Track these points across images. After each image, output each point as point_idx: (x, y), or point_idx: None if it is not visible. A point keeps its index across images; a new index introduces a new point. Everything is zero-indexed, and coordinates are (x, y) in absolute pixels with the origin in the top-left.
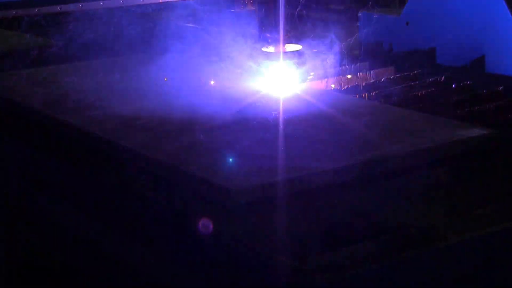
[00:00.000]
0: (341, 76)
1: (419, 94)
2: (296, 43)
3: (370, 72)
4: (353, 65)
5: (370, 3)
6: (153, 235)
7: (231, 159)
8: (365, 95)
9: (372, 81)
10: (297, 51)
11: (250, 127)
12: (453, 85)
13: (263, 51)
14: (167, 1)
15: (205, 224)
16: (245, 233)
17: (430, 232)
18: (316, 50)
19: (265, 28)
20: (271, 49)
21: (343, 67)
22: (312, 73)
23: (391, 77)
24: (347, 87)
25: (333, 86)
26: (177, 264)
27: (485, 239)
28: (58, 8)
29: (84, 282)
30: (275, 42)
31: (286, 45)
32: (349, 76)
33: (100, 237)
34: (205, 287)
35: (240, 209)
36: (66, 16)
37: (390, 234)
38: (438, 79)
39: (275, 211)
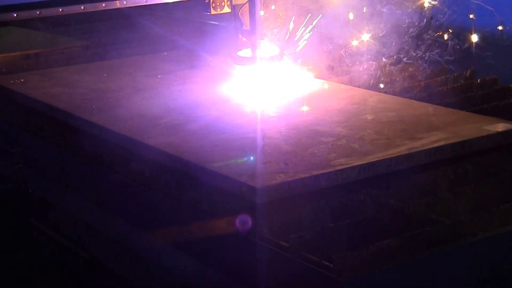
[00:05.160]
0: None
1: (445, 89)
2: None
3: None
4: None
5: None
6: (178, 232)
7: (256, 157)
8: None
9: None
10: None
11: (274, 124)
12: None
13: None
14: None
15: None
16: (271, 231)
17: (457, 228)
18: None
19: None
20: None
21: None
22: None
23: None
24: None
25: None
26: (203, 260)
27: None
28: (81, 7)
29: (109, 279)
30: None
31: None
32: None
33: (126, 235)
34: (232, 283)
35: (265, 206)
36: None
37: (417, 230)
38: (464, 73)
39: (300, 208)
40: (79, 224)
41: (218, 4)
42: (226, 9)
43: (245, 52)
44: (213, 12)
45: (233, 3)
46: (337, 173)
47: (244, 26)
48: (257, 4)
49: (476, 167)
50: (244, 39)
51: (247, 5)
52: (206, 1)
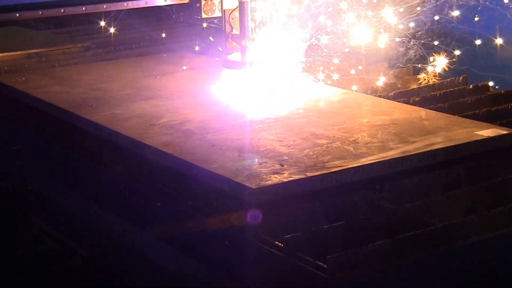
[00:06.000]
0: None
1: (437, 94)
2: None
3: None
4: None
5: None
6: (174, 231)
7: (252, 157)
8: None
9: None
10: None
11: (270, 126)
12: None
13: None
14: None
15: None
16: (265, 231)
17: (449, 231)
18: None
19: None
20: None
21: None
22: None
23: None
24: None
25: None
26: (198, 259)
27: (505, 238)
28: (82, 8)
29: (107, 277)
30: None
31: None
32: None
33: (123, 232)
34: (226, 282)
35: (260, 207)
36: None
37: (410, 232)
38: (456, 79)
39: (295, 209)
40: (77, 221)
41: (209, 8)
42: (217, 13)
43: (235, 56)
44: (203, 16)
45: (223, 7)
46: (331, 175)
47: (234, 30)
48: (247, 8)
49: (468, 171)
50: (234, 44)
51: (237, 9)
52: (198, 5)
